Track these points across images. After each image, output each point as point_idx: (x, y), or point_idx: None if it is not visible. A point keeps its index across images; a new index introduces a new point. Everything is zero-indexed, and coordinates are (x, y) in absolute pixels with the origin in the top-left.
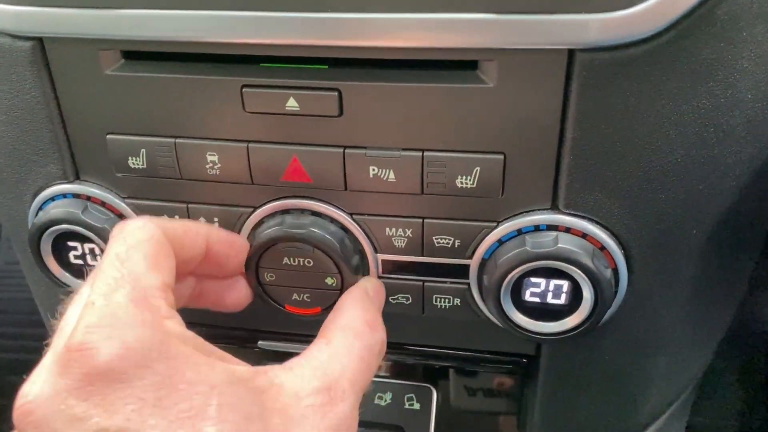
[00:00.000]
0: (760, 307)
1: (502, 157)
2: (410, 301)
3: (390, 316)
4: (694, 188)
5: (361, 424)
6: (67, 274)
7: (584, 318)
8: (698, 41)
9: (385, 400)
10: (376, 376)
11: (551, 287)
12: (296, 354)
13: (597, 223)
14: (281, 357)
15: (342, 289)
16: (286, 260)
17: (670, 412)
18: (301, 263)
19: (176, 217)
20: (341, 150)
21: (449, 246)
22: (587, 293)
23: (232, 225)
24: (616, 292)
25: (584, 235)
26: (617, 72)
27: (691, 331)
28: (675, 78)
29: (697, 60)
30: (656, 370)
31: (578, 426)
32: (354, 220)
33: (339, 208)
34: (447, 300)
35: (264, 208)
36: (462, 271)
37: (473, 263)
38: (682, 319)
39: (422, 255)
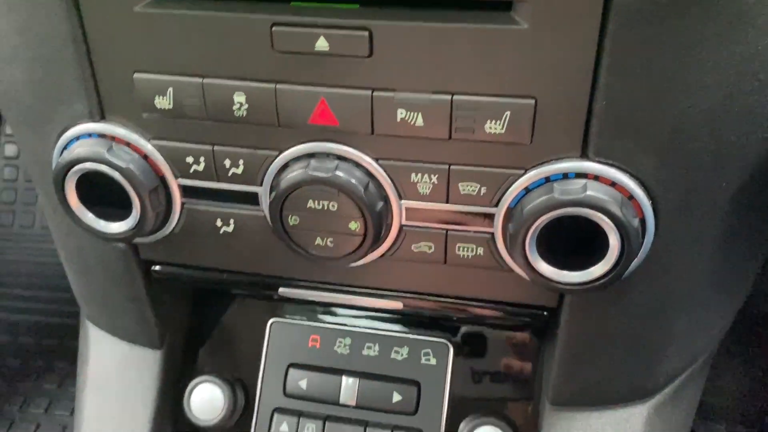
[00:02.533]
0: None
1: (533, 102)
2: (433, 249)
3: (411, 265)
4: (727, 139)
5: (377, 377)
6: (90, 215)
7: (610, 268)
8: None
9: (402, 355)
10: (393, 330)
11: (578, 237)
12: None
13: (626, 172)
14: (301, 305)
15: (365, 234)
16: (310, 204)
17: (687, 374)
18: (326, 207)
19: (201, 159)
20: (369, 92)
21: (475, 193)
22: (614, 242)
23: (258, 167)
24: (642, 243)
25: (613, 184)
26: (654, 15)
27: (714, 289)
28: (714, 23)
29: (737, 5)
30: (677, 328)
31: (595, 384)
32: (379, 164)
33: (365, 152)
34: (470, 249)
35: (290, 151)
36: (487, 220)
37: (499, 211)
38: (706, 277)
39: (447, 202)
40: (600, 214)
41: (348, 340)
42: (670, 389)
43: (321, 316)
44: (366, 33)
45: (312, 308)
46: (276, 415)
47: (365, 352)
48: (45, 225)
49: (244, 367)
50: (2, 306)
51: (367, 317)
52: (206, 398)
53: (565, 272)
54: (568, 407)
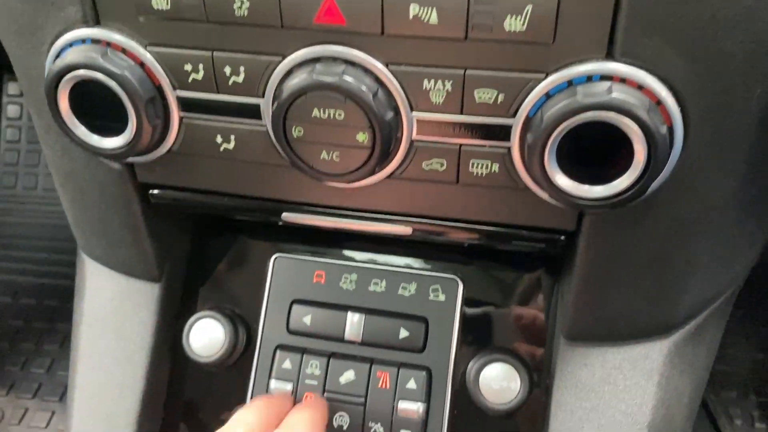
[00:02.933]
0: None
1: None
2: (445, 166)
3: (421, 186)
4: (764, 39)
5: (384, 314)
6: (83, 128)
7: (634, 180)
8: None
9: (409, 291)
10: (401, 266)
11: (600, 151)
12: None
13: (655, 74)
14: (305, 242)
15: (373, 148)
16: (315, 113)
17: (710, 311)
18: (332, 115)
19: (200, 67)
20: None
21: (491, 102)
22: (640, 150)
23: (260, 75)
24: (669, 154)
25: (640, 88)
26: None
27: (743, 212)
28: None
29: None
30: (700, 257)
31: (613, 316)
32: (390, 70)
33: (374, 56)
34: (485, 165)
35: (293, 56)
36: (503, 132)
37: (516, 122)
38: (735, 197)
39: (461, 113)
40: (626, 120)
41: (354, 276)
42: (692, 326)
43: (326, 252)
44: None
45: (317, 244)
46: (279, 352)
47: (371, 288)
48: (47, 187)
49: (246, 304)
50: (4, 267)
51: (373, 252)
52: (206, 334)
53: (585, 186)
54: (583, 342)
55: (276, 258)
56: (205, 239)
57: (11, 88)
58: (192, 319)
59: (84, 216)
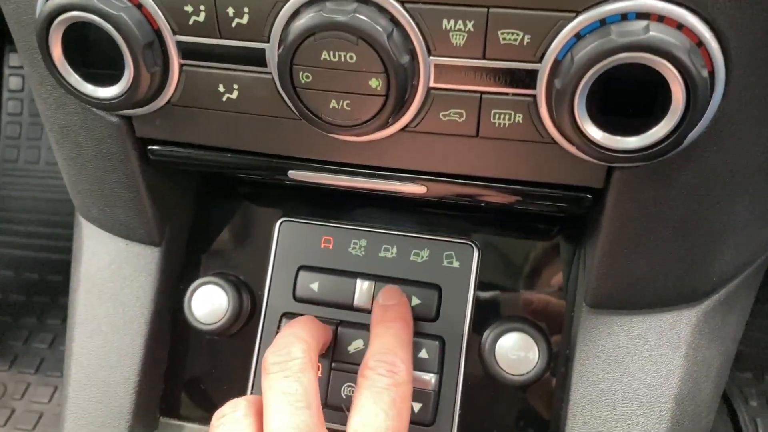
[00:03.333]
0: None
1: None
2: (464, 117)
3: (438, 140)
4: None
5: (395, 281)
6: (76, 76)
7: (672, 128)
8: None
9: (422, 257)
10: (413, 231)
11: (634, 101)
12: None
13: (696, 13)
14: (313, 205)
15: (387, 95)
16: (324, 55)
17: (741, 280)
18: (343, 59)
19: (202, 7)
20: None
21: (517, 43)
22: (678, 95)
23: (265, 16)
24: (709, 101)
25: (680, 27)
26: None
27: None
28: None
29: None
30: (737, 217)
31: (641, 281)
32: (406, 8)
33: None
34: (507, 116)
35: None
36: (529, 79)
37: (543, 67)
38: None
39: (483, 58)
40: (664, 61)
41: (363, 242)
42: (722, 295)
43: (335, 216)
44: None
45: (325, 208)
46: (285, 320)
47: (382, 254)
48: (50, 161)
49: (250, 270)
50: (6, 242)
51: (384, 216)
52: (209, 301)
53: (618, 137)
54: (606, 310)
55: (282, 222)
56: (208, 202)
57: (12, 59)
58: (194, 285)
59: (80, 176)
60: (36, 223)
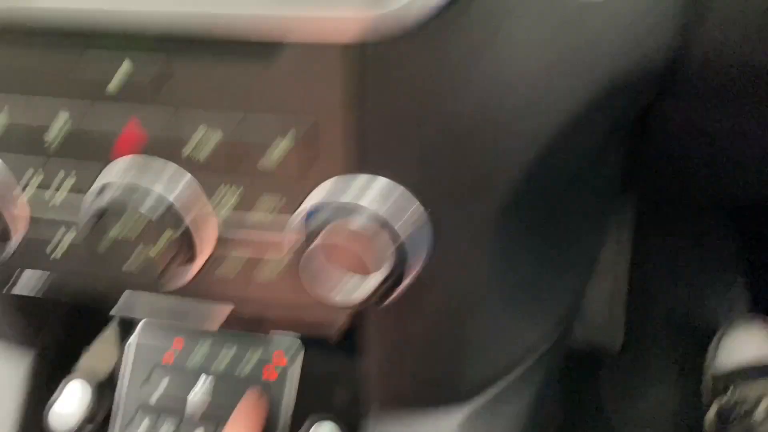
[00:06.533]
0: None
1: None
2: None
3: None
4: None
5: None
6: None
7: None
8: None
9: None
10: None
11: None
12: None
13: None
14: None
15: None
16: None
17: (513, 379)
18: None
19: None
20: None
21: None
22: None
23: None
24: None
25: None
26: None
27: (508, 298)
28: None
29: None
30: (474, 333)
31: (404, 386)
32: None
33: None
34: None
35: None
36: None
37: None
38: (493, 285)
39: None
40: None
41: (209, 341)
42: (491, 394)
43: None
44: None
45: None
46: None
47: (223, 352)
48: None
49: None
50: None
51: None
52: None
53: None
54: (387, 407)
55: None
56: None
57: None
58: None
59: None
60: None
